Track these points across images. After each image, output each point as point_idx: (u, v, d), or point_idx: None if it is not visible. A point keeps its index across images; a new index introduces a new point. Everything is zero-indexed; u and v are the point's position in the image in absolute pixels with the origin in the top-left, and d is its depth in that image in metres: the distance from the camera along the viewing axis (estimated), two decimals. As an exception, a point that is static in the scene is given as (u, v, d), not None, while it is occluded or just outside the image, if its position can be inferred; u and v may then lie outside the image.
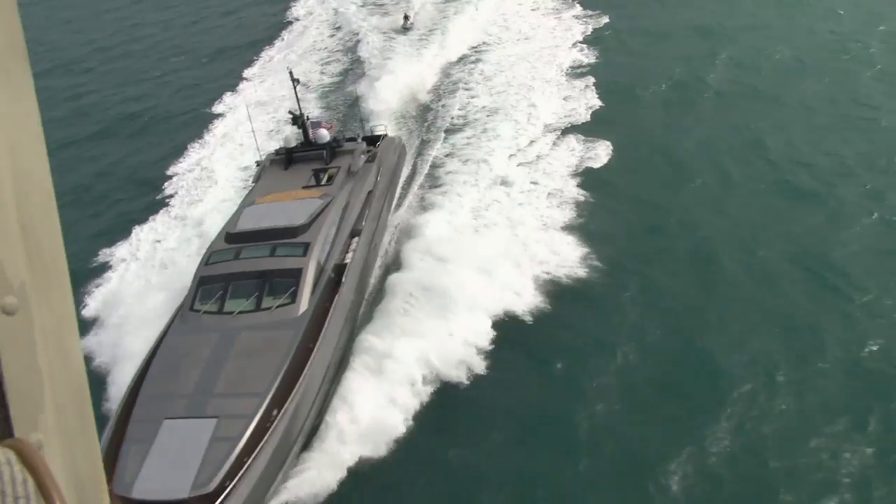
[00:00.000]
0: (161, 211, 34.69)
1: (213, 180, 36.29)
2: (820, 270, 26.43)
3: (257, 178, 30.81)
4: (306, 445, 21.02)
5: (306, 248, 24.30)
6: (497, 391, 22.62)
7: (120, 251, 31.95)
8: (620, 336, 24.21)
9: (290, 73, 32.76)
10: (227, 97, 45.27)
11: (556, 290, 26.11)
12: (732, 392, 21.76)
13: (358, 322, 25.51)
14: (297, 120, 31.29)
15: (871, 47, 42.46)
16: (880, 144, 33.77)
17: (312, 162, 30.75)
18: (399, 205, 32.76)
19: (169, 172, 37.88)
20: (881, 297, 24.86)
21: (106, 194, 37.62)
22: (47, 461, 1.72)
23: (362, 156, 30.87)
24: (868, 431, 20.28)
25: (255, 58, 51.34)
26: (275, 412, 19.67)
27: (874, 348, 22.77)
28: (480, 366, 23.17)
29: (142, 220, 34.04)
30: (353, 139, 33.27)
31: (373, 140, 33.71)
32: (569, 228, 29.41)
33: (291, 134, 31.75)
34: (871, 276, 25.87)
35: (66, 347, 2.06)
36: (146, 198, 36.08)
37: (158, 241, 32.41)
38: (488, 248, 27.61)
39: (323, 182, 29.28)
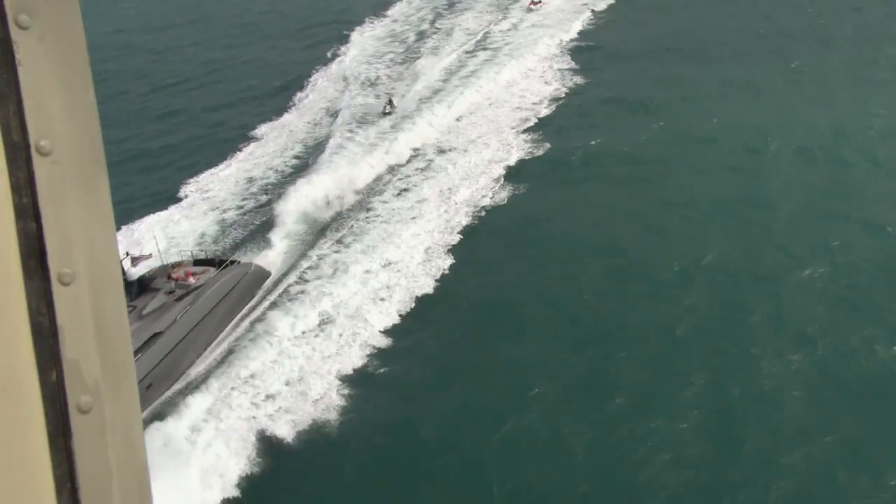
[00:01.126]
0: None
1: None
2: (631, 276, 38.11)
3: None
4: None
5: None
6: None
7: None
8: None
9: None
10: (272, 122, 58.08)
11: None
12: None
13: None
14: None
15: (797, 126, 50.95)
16: (737, 201, 43.50)
17: None
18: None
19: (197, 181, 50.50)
20: (635, 293, 36.40)
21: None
22: None
23: (165, 295, 31.38)
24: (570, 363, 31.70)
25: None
26: None
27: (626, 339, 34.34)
28: None
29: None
30: (209, 262, 34.90)
31: (220, 264, 34.50)
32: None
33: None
34: (653, 279, 37.63)
35: (132, 440, 2.14)
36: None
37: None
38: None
39: None
